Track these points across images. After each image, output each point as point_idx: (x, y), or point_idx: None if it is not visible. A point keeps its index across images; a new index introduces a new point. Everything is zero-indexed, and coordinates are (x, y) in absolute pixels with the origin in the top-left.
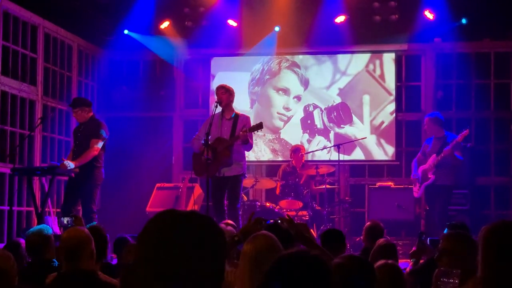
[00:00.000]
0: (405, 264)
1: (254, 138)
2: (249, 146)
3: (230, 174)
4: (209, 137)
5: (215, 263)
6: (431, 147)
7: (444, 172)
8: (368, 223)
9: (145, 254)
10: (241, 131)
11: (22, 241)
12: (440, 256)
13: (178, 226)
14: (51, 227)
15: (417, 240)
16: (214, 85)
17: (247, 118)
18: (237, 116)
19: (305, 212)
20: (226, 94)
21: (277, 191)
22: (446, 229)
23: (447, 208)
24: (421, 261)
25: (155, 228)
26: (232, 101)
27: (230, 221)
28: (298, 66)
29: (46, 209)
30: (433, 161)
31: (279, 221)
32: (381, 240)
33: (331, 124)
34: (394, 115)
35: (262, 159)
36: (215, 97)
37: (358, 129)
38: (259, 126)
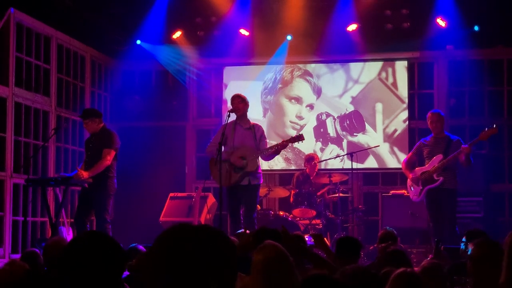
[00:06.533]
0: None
1: None
2: (274, 156)
3: (254, 183)
4: (223, 146)
5: (226, 277)
6: (433, 147)
7: (449, 175)
8: (382, 231)
9: (157, 268)
10: (282, 141)
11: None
12: (473, 264)
13: (189, 240)
14: (65, 237)
15: (434, 248)
16: (226, 94)
17: (261, 128)
18: (252, 125)
19: (318, 221)
20: (242, 103)
21: (291, 199)
22: (464, 237)
23: (456, 213)
24: None
25: (167, 242)
26: (247, 110)
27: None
28: (311, 75)
29: (60, 220)
30: (439, 162)
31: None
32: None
33: (344, 133)
34: (407, 123)
35: (275, 168)
36: (229, 106)
37: (371, 137)
38: (300, 137)
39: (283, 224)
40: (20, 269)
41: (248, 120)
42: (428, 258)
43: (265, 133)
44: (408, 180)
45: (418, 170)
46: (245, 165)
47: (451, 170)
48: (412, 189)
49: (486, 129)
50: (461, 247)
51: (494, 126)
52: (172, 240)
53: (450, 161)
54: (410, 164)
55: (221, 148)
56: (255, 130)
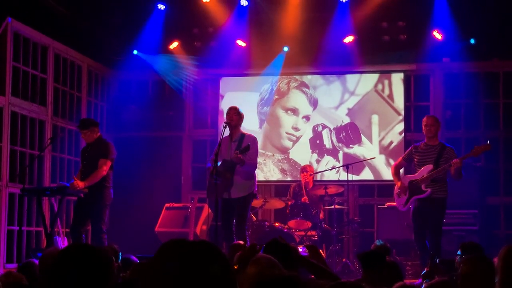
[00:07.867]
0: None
1: (262, 158)
2: (248, 167)
3: (236, 196)
4: (218, 160)
5: None
6: (424, 155)
7: (439, 185)
8: (374, 245)
9: (159, 283)
10: (234, 153)
11: (36, 262)
12: (462, 280)
13: (185, 258)
14: (60, 247)
15: (429, 261)
16: (223, 105)
17: (252, 139)
18: (243, 136)
19: (314, 232)
20: (236, 115)
21: (288, 210)
22: (459, 250)
23: (442, 224)
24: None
25: (165, 259)
26: (240, 123)
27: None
28: (307, 86)
29: (56, 229)
30: (428, 173)
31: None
32: None
33: (340, 144)
34: (403, 135)
35: (271, 179)
36: (225, 117)
37: (367, 149)
38: (246, 149)
39: (280, 235)
40: (16, 281)
41: (239, 132)
42: (424, 271)
43: (260, 144)
44: (396, 187)
45: (407, 178)
46: (222, 178)
47: (441, 180)
48: (399, 197)
49: (480, 144)
50: (457, 259)
51: (488, 142)
52: (168, 258)
53: (440, 172)
54: (398, 169)
55: (217, 161)
56: (243, 142)
